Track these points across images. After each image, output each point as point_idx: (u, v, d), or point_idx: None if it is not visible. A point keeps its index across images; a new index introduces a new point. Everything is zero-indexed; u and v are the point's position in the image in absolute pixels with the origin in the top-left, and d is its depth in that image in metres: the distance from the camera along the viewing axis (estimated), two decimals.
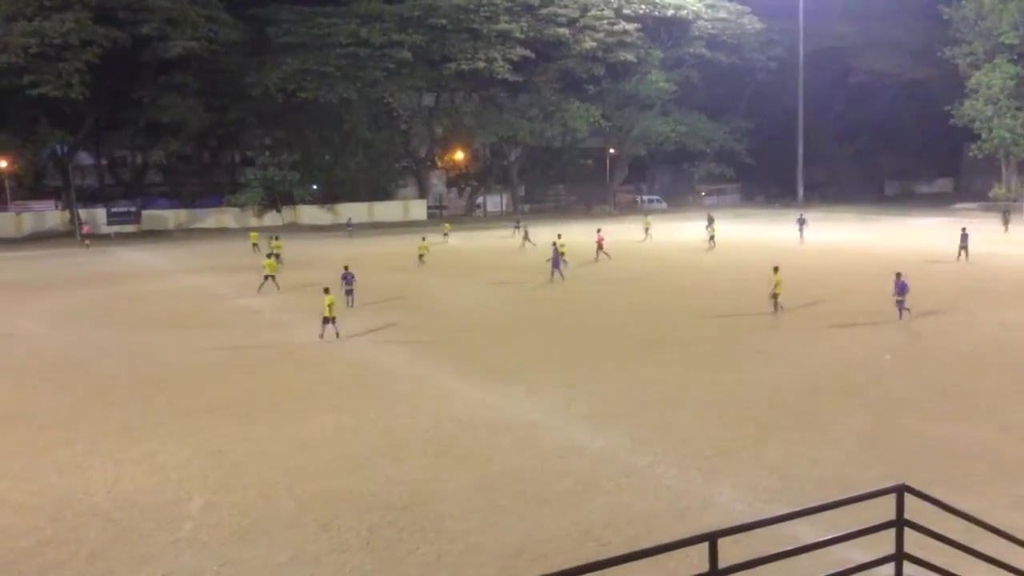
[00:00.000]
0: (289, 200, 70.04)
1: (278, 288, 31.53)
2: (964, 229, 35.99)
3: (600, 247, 39.33)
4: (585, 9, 74.53)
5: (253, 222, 68.20)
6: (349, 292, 27.43)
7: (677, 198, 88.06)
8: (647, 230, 48.98)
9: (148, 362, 20.78)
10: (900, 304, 22.93)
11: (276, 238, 43.22)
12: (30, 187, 70.10)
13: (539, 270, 34.09)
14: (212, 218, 69.45)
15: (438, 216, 77.82)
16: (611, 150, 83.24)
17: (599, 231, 40.84)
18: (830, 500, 7.90)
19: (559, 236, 35.98)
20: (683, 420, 14.84)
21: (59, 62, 58.01)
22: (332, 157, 73.01)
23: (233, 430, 14.82)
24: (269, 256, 33.43)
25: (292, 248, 48.80)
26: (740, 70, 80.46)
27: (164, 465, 13.19)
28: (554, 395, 16.66)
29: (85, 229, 58.42)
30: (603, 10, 74.53)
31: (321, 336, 22.51)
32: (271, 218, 69.10)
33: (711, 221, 47.13)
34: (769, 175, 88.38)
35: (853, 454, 13.02)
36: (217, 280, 33.60)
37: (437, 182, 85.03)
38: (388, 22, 70.81)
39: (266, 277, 31.95)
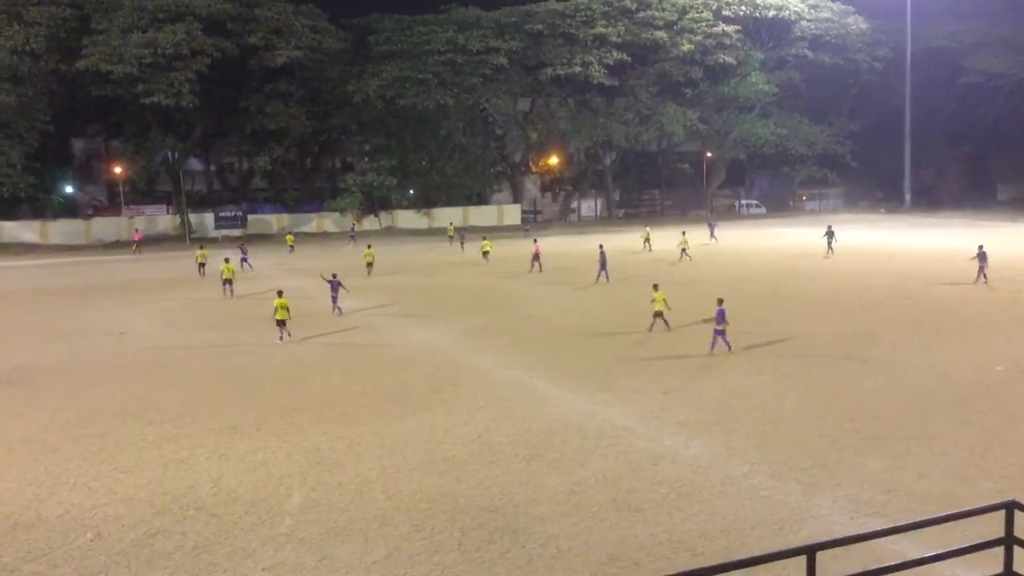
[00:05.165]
0: (387, 205, 71.37)
1: (231, 295, 32.95)
2: (981, 247, 31.08)
3: (536, 258, 39.16)
4: (683, 12, 73.78)
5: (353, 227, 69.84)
6: (334, 299, 28.13)
7: (776, 203, 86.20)
8: (647, 241, 47.84)
9: (249, 361, 21.47)
10: (719, 334, 20.21)
11: (202, 247, 45.03)
12: (143, 192, 73.34)
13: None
14: (313, 223, 71.34)
15: (532, 221, 78.07)
16: (708, 154, 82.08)
17: (536, 241, 41.10)
18: (935, 515, 7.61)
19: (601, 246, 36.20)
20: (780, 429, 14.49)
21: (171, 72, 60.58)
22: (428, 162, 74.12)
23: (330, 429, 15.16)
24: (227, 260, 34.97)
25: (390, 252, 49.85)
26: (844, 71, 78.25)
27: (265, 462, 13.58)
28: (647, 401, 16.49)
29: (137, 237, 60.03)
30: (702, 12, 73.65)
31: (280, 339, 23.28)
32: (369, 222, 70.58)
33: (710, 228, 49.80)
34: (874, 179, 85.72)
35: (961, 468, 12.49)
36: (314, 283, 34.39)
37: (531, 187, 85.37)
38: (485, 28, 71.51)
39: (225, 282, 33.20)
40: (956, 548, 7.39)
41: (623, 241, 49.64)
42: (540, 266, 38.73)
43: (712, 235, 50.92)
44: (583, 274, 35.58)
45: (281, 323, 23.33)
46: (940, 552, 7.45)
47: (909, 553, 8.26)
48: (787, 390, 17.13)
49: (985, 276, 30.41)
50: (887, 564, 7.47)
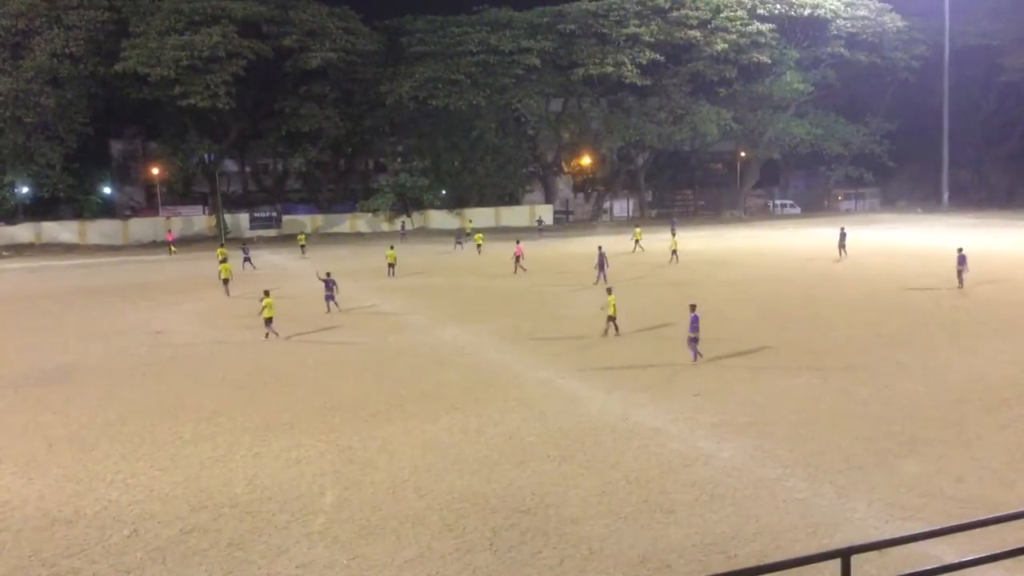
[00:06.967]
0: (419, 205, 71.70)
1: (228, 295, 33.73)
2: (960, 250, 30.44)
3: (518, 259, 39.33)
4: (717, 10, 73.34)
5: (384, 227, 70.24)
6: (329, 298, 28.67)
7: (812, 203, 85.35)
8: (637, 241, 47.89)
9: (284, 360, 21.63)
10: (693, 343, 19.48)
11: (222, 246, 45.70)
12: (180, 193, 74.26)
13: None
14: (346, 223, 71.85)
15: (564, 221, 77.99)
16: (742, 153, 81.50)
17: (518, 243, 41.41)
18: (973, 519, 7.48)
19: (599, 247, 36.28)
20: (815, 432, 14.34)
21: (207, 74, 61.33)
22: (460, 163, 74.36)
23: (363, 428, 15.25)
24: (224, 261, 36.32)
25: (413, 252, 50.03)
26: (881, 70, 77.35)
27: (299, 460, 13.69)
28: (679, 402, 16.40)
29: (170, 237, 60.40)
30: (736, 11, 73.19)
31: (266, 336, 24.17)
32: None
33: (674, 232, 48.98)
34: (912, 179, 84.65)
35: (1000, 472, 12.29)
36: (347, 283, 34.63)
37: (564, 187, 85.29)
38: (517, 29, 71.62)
39: (224, 281, 34.29)
40: (994, 553, 7.26)
41: (655, 241, 49.38)
42: (524, 267, 38.95)
43: (673, 232, 51.26)
44: (599, 275, 35.20)
45: (268, 321, 24.26)
46: (978, 557, 7.32)
47: (946, 557, 8.15)
48: (822, 393, 16.95)
49: (961, 281, 29.84)
50: (923, 568, 7.36)
